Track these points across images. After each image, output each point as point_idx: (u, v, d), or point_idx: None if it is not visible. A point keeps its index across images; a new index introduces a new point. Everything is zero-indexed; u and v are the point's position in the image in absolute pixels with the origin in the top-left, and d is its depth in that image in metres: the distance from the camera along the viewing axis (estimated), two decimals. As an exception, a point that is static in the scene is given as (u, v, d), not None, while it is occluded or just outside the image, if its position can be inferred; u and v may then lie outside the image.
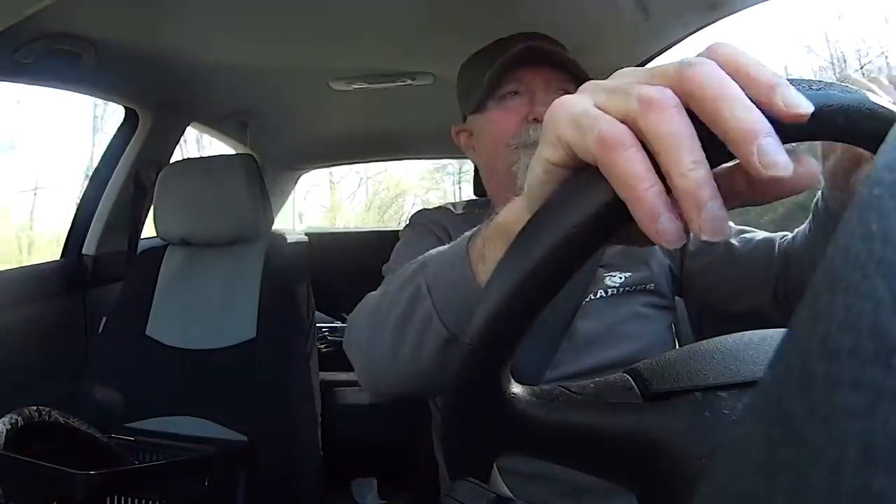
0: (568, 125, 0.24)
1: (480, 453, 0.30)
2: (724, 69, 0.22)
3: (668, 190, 0.22)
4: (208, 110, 1.39)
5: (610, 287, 0.69)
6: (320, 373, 1.12)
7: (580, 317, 0.67)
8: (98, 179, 1.27)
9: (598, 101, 0.24)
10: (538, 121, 0.67)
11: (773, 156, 0.20)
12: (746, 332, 0.31)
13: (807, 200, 0.66)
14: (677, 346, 0.85)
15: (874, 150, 0.14)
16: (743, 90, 0.21)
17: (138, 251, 1.30)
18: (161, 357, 1.04)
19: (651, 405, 0.28)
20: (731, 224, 0.75)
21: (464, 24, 0.96)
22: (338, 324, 1.64)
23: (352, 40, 1.03)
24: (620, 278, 0.69)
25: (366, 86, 1.23)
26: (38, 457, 0.69)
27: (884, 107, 0.22)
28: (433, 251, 0.46)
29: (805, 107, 0.21)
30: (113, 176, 1.27)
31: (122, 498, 0.76)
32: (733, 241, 0.72)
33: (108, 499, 0.74)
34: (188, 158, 1.45)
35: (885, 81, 0.43)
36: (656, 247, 0.67)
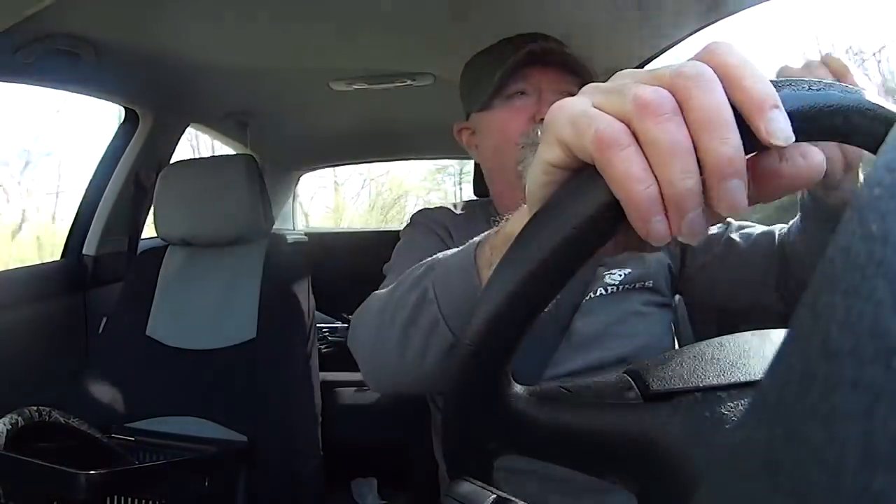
0: (566, 125, 0.24)
1: (480, 453, 0.30)
2: (717, 75, 0.22)
3: None
4: (208, 110, 1.39)
5: (609, 285, 0.69)
6: (320, 373, 1.12)
7: (579, 315, 0.67)
8: (98, 180, 1.27)
9: (596, 101, 0.24)
10: None
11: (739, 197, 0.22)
12: (746, 333, 0.31)
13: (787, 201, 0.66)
14: (677, 346, 0.85)
15: (874, 151, 0.14)
16: (732, 99, 0.22)
17: (138, 251, 1.31)
18: (161, 357, 1.04)
19: (651, 405, 0.28)
20: (731, 220, 0.75)
21: (464, 24, 0.96)
22: (338, 324, 1.64)
23: (352, 40, 1.03)
24: (620, 275, 0.70)
25: (366, 86, 1.23)
26: (38, 457, 0.69)
27: (883, 107, 0.22)
28: (440, 255, 0.46)
29: (785, 138, 0.21)
30: (113, 176, 1.27)
31: (123, 498, 0.76)
32: (734, 236, 0.72)
33: (109, 499, 0.75)
34: (188, 159, 1.45)
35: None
36: None
